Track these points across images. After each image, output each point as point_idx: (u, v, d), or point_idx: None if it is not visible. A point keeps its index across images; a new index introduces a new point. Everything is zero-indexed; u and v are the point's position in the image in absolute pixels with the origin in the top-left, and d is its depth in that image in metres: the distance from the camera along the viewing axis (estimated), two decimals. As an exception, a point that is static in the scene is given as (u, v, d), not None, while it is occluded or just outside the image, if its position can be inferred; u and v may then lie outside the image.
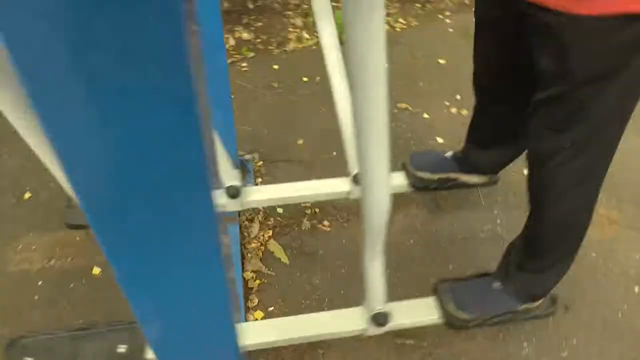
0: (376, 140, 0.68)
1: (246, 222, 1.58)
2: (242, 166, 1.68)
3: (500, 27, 1.06)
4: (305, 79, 2.22)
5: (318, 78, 2.23)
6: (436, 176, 1.52)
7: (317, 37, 2.54)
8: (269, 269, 1.45)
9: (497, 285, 1.26)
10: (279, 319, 1.24)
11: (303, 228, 1.57)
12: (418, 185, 1.52)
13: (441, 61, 2.36)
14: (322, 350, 1.28)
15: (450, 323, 1.22)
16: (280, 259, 1.47)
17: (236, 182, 1.38)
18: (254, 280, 1.42)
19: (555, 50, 0.83)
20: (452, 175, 1.53)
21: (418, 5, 2.83)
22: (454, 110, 2.07)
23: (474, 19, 1.18)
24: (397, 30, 2.62)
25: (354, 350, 1.28)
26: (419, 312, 1.23)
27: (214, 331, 0.59)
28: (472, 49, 1.25)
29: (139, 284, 0.47)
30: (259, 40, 2.55)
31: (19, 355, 1.11)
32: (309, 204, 1.62)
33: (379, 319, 1.15)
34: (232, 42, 2.51)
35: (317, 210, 1.62)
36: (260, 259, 1.47)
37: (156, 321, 0.54)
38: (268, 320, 1.23)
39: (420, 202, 1.67)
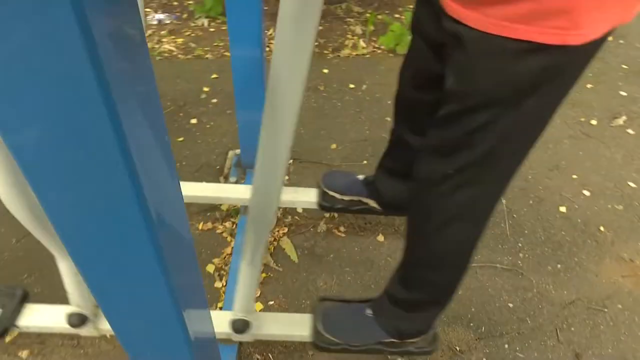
0: (278, 149, 0.68)
1: (264, 216, 1.62)
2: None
3: (428, 42, 0.99)
4: (352, 85, 2.24)
5: (364, 86, 2.24)
6: (346, 197, 1.47)
7: (373, 45, 2.56)
8: (277, 265, 1.48)
9: (369, 312, 1.20)
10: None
11: (319, 230, 1.59)
12: (325, 204, 1.47)
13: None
14: (312, 352, 1.28)
15: (315, 343, 1.18)
16: (290, 256, 1.50)
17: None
18: (261, 273, 1.45)
19: (461, 66, 0.79)
20: (363, 199, 1.47)
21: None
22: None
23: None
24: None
25: (345, 357, 1.27)
26: (290, 327, 1.21)
27: (158, 317, 0.62)
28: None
29: (86, 265, 0.51)
30: (316, 43, 2.59)
31: None
32: (329, 208, 1.63)
33: (237, 325, 1.15)
34: (290, 42, 2.57)
35: (335, 215, 1.63)
36: (271, 254, 1.50)
37: (108, 303, 0.59)
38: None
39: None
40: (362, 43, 2.56)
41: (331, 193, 1.48)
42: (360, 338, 1.19)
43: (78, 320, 1.11)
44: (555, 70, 0.71)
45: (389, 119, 2.06)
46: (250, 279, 1.06)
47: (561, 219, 1.68)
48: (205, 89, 2.19)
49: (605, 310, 1.43)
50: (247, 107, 1.52)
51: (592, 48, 0.71)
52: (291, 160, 1.83)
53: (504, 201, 1.71)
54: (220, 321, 1.16)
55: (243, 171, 1.70)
